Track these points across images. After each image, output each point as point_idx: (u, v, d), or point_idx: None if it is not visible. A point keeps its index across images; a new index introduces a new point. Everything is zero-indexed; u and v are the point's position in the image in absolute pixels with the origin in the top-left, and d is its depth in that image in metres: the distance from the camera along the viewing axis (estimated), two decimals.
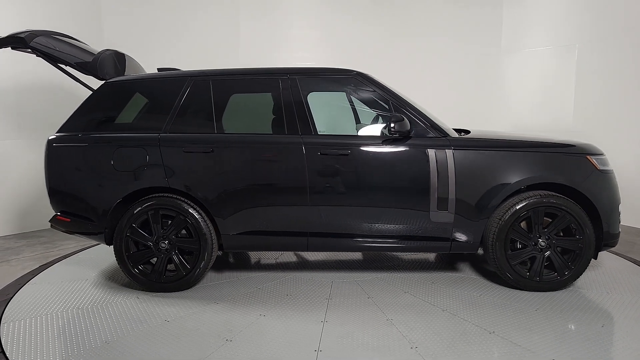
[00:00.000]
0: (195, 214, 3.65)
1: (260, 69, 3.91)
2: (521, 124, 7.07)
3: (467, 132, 3.93)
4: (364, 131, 4.05)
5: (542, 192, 3.61)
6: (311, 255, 4.72)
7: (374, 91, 3.80)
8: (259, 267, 4.39)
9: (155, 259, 3.73)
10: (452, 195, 3.58)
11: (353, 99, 4.12)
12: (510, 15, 7.23)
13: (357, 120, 4.43)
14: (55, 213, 3.90)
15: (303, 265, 4.41)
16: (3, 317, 3.37)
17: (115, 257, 3.73)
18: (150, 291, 3.76)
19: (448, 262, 4.40)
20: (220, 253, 4.53)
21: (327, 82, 3.95)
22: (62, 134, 3.83)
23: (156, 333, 3.04)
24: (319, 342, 2.86)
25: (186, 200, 3.67)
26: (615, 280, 3.94)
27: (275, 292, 3.71)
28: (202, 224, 3.66)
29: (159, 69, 4.37)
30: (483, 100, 7.39)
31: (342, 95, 4.16)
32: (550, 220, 3.62)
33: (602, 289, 3.73)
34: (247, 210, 3.67)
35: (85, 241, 5.23)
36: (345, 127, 4.41)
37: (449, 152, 3.60)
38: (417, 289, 3.75)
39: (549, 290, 3.66)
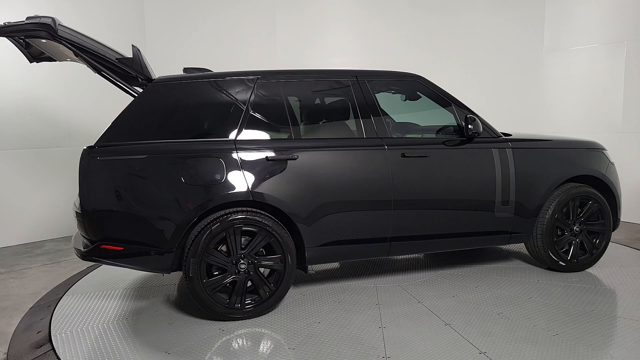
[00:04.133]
0: (281, 229, 3.32)
1: (329, 70, 3.72)
2: (566, 125, 6.78)
3: (508, 135, 4.25)
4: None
5: (575, 184, 4.11)
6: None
7: (434, 94, 3.90)
8: (307, 278, 4.14)
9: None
10: (512, 195, 3.86)
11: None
12: (553, 12, 6.94)
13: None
14: (91, 242, 3.16)
15: (353, 272, 4.29)
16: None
17: (189, 285, 3.18)
18: (227, 320, 3.29)
19: (466, 257, 4.72)
20: None
21: (391, 84, 3.93)
22: (106, 144, 3.13)
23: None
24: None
25: (268, 214, 3.31)
26: (616, 257, 4.66)
27: (365, 303, 3.55)
28: (287, 239, 3.34)
29: (185, 69, 3.85)
30: (525, 102, 7.22)
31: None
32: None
33: (613, 266, 4.39)
34: (334, 219, 3.45)
35: None
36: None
37: (509, 152, 3.88)
38: (489, 283, 3.95)
39: (582, 270, 4.18)
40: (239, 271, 3.26)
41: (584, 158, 4.18)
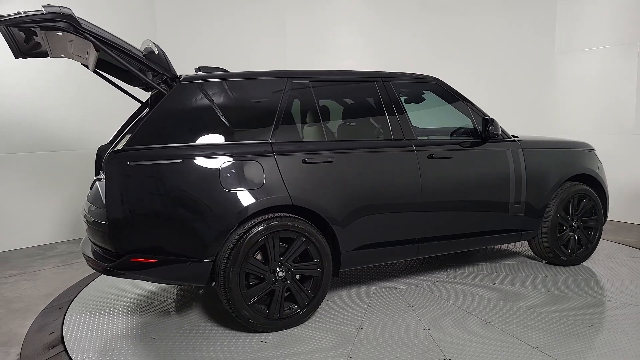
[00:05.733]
0: (318, 234, 3.22)
1: (356, 71, 3.68)
2: (577, 127, 6.71)
3: (516, 137, 4.40)
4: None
5: (573, 183, 4.34)
6: None
7: (451, 96, 3.97)
8: None
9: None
10: (523, 195, 4.02)
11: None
12: (565, 13, 6.86)
13: None
14: (116, 254, 2.88)
15: (367, 276, 4.25)
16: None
17: (227, 296, 2.98)
18: (264, 331, 3.14)
19: (468, 255, 4.85)
20: None
21: (411, 86, 3.95)
22: (134, 147, 2.87)
23: None
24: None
25: (305, 220, 3.19)
26: (603, 251, 4.97)
27: (396, 306, 3.53)
28: (324, 244, 3.24)
29: (200, 68, 3.65)
30: (536, 104, 7.12)
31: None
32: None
33: (603, 259, 4.68)
34: (368, 222, 3.41)
35: None
36: None
37: (520, 152, 4.04)
38: (504, 280, 4.07)
39: (579, 263, 4.43)
40: (276, 280, 3.12)
41: (581, 158, 4.44)
